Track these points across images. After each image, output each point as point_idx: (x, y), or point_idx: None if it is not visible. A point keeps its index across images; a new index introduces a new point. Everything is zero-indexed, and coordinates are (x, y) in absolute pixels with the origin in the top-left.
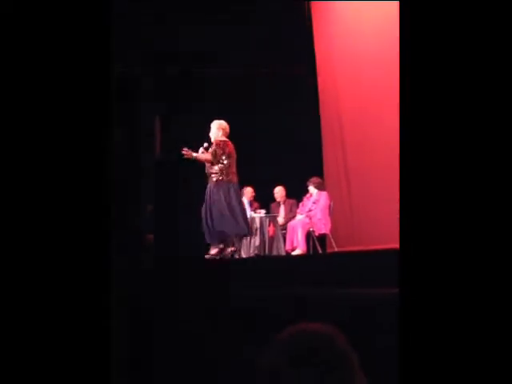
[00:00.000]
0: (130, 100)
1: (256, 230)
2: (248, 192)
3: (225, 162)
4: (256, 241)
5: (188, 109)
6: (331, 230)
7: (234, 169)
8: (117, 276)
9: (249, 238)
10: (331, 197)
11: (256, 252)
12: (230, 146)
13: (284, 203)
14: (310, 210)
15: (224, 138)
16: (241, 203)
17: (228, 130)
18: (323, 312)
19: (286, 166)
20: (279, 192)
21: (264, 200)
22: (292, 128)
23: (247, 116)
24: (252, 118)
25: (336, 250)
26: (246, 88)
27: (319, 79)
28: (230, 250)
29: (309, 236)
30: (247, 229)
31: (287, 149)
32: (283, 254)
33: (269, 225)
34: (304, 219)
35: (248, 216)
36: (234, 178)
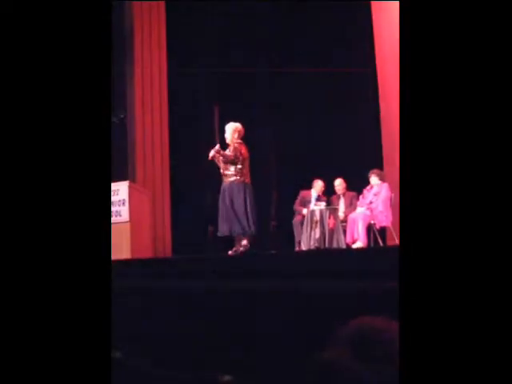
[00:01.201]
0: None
1: (316, 222)
2: (318, 185)
3: (240, 163)
4: (316, 233)
5: (254, 109)
6: (393, 223)
7: (247, 170)
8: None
9: (309, 231)
10: (392, 189)
11: (316, 245)
12: (245, 148)
13: (344, 196)
14: (370, 203)
15: (239, 141)
16: (252, 203)
17: (243, 132)
18: (385, 305)
19: (346, 159)
20: (340, 185)
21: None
22: (353, 123)
23: (309, 114)
24: (316, 116)
25: (397, 242)
26: (307, 87)
27: (379, 77)
28: (241, 248)
29: (370, 228)
30: (254, 229)
31: (348, 143)
32: (343, 246)
33: (329, 217)
34: (365, 212)
35: (311, 209)
36: (248, 179)
